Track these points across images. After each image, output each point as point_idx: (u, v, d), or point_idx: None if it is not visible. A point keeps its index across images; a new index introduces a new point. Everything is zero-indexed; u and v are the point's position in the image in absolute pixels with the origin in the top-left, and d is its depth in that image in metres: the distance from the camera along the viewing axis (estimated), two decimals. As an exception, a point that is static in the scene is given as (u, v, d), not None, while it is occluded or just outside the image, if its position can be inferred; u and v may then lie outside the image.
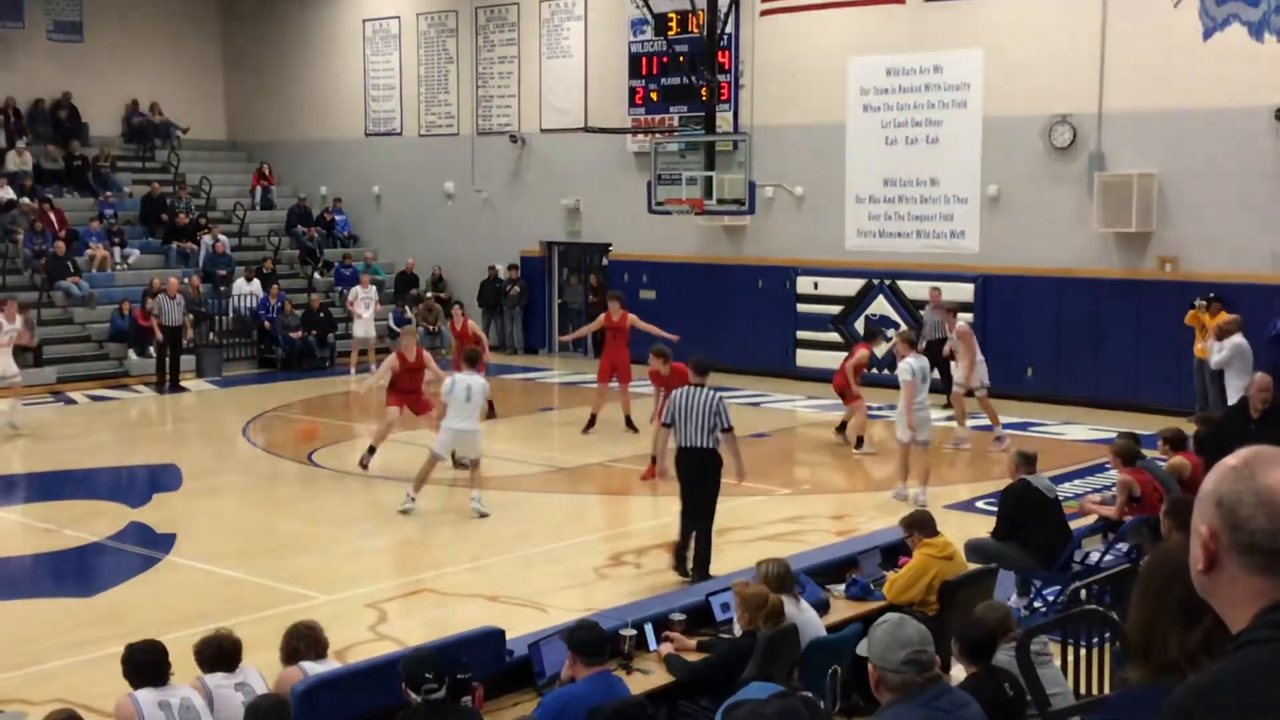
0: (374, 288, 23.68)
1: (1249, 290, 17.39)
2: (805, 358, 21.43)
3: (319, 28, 28.18)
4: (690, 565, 10.58)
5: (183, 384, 21.39)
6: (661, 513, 13.46)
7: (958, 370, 16.66)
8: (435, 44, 26.47)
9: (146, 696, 5.95)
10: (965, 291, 19.69)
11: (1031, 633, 5.80)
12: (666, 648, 7.07)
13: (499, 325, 25.53)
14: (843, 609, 8.02)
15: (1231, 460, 2.18)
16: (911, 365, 13.20)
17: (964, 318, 17.23)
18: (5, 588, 11.15)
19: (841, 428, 16.64)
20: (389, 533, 12.84)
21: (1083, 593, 7.94)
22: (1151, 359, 18.42)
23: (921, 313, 19.38)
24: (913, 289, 20.47)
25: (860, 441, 16.19)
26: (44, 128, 26.59)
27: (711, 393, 10.54)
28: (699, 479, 10.52)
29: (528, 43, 24.99)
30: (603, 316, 17.81)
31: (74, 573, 11.67)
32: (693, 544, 10.61)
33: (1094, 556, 9.54)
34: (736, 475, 10.90)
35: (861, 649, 4.27)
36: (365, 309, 22.99)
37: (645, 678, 6.81)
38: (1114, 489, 10.51)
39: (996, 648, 5.71)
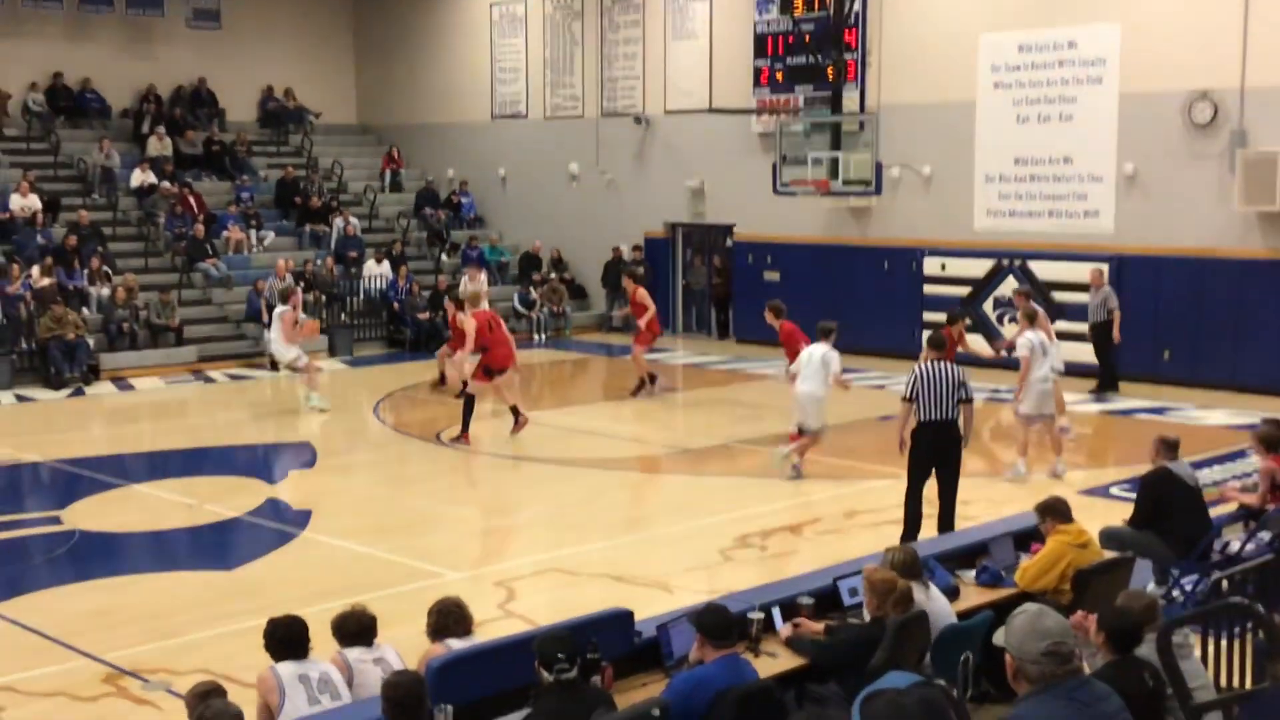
0: (483, 275, 23.52)
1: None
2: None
3: (447, 13, 28.53)
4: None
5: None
6: (786, 495, 13.43)
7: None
8: (561, 27, 26.61)
9: (287, 669, 6.11)
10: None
11: (1174, 624, 5.65)
12: (787, 630, 7.03)
13: (622, 306, 25.61)
14: (973, 596, 7.89)
15: None
16: (1030, 340, 13.39)
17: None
18: (149, 561, 11.54)
19: None
20: (515, 512, 12.99)
21: (1224, 583, 7.71)
22: (1296, 342, 17.80)
23: (1066, 296, 18.97)
24: (1045, 269, 20.06)
25: None
26: (184, 113, 27.36)
27: (954, 366, 10.96)
28: (949, 449, 10.89)
29: (652, 24, 24.99)
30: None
31: (214, 547, 12.03)
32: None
33: (1234, 546, 9.25)
34: (964, 443, 11.13)
35: (998, 638, 4.21)
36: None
37: (773, 661, 6.79)
38: (1256, 476, 10.19)
39: (1142, 638, 5.58)
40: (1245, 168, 17.84)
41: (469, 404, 15.70)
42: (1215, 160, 18.46)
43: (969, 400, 10.93)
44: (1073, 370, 18.75)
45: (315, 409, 17.77)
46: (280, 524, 12.39)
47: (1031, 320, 13.87)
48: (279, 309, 18.33)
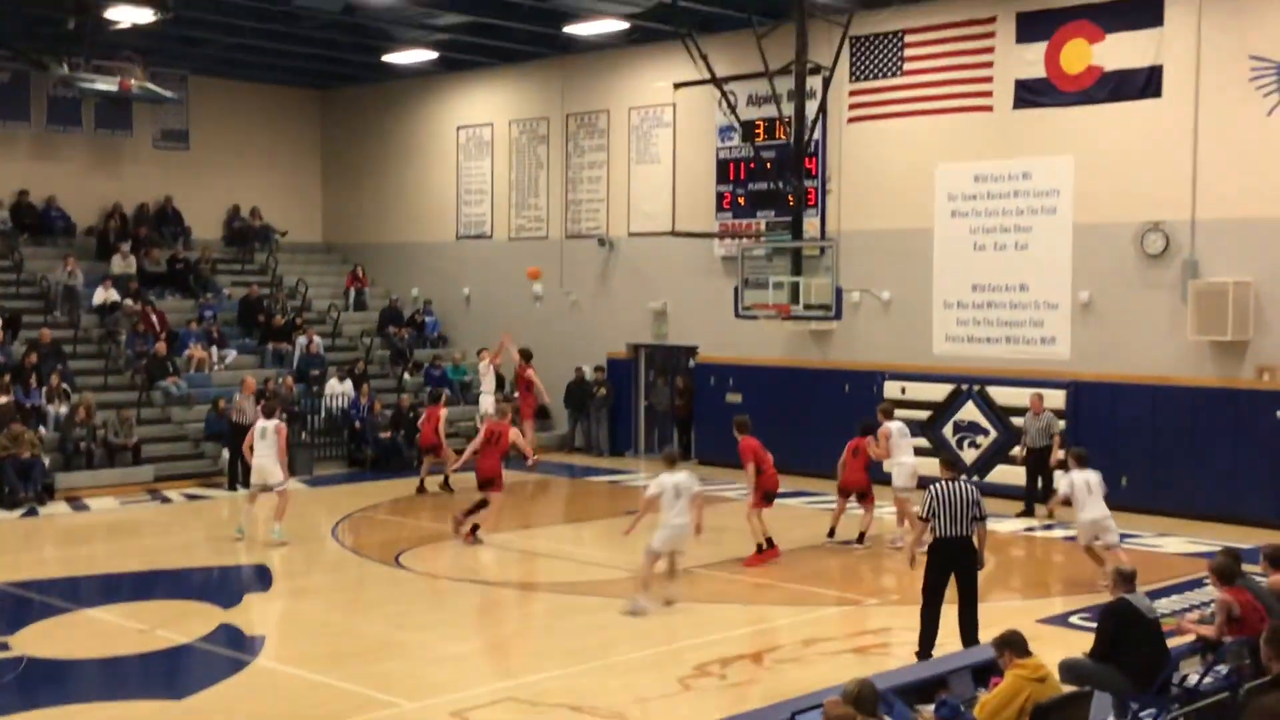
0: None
1: (1351, 400, 16.98)
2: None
3: (414, 135, 28.94)
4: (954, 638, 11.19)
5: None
6: (746, 621, 13.36)
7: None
8: (527, 150, 27.03)
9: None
10: (1057, 398, 19.45)
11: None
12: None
13: (585, 427, 25.67)
14: (932, 731, 7.86)
15: None
16: (1074, 479, 14.42)
17: (892, 424, 17.03)
18: (98, 689, 11.29)
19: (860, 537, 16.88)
20: (474, 638, 12.84)
21: (1182, 719, 7.71)
22: (1251, 470, 18.01)
23: (1022, 420, 19.23)
24: (1003, 395, 20.28)
25: (832, 532, 16.90)
26: (149, 231, 27.46)
27: (970, 485, 11.35)
28: (967, 565, 11.21)
29: (617, 149, 25.43)
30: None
31: (165, 675, 11.79)
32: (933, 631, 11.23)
33: (1192, 679, 9.26)
34: (979, 562, 11.42)
35: None
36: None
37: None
38: (1213, 607, 10.23)
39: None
40: (1197, 298, 18.20)
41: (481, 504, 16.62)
42: (1168, 290, 18.83)
43: (983, 519, 11.31)
44: (1006, 493, 19.06)
45: (276, 541, 16.96)
46: (233, 651, 12.18)
47: (1080, 461, 14.54)
48: (273, 423, 17.17)
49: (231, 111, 29.10)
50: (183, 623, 13.01)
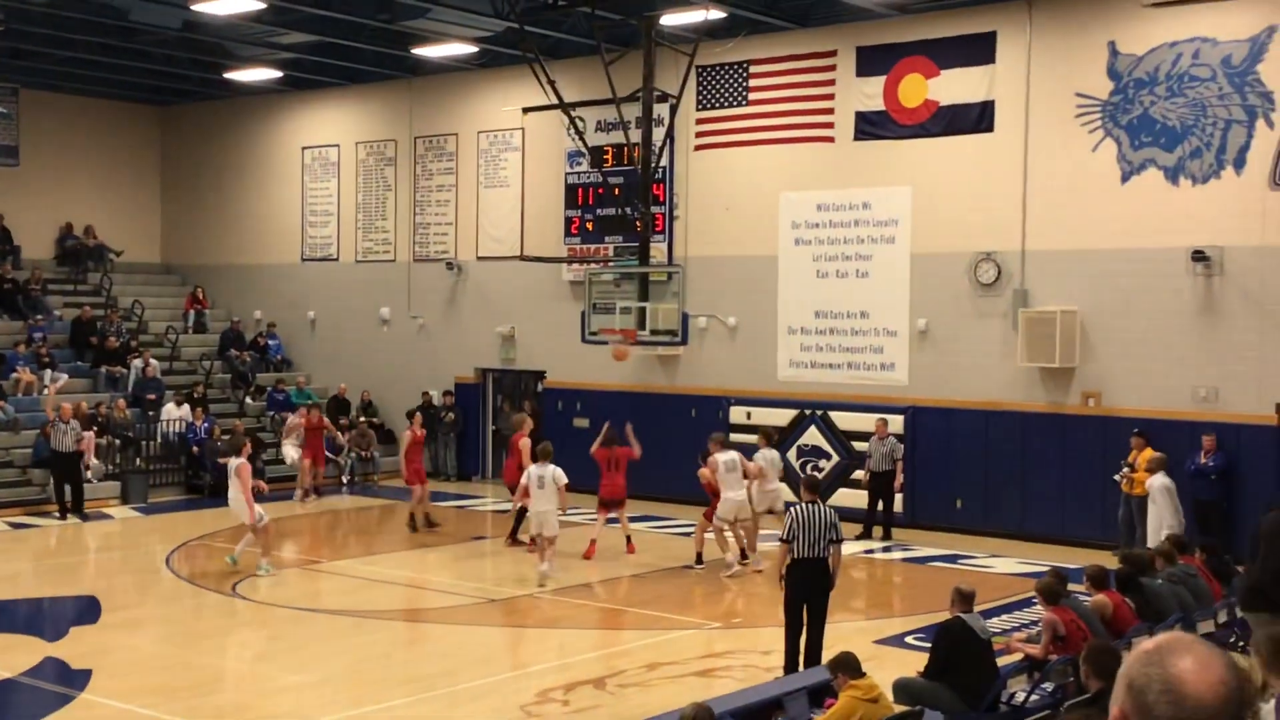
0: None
1: (1170, 426, 17.74)
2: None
3: (257, 154, 28.39)
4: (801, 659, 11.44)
5: (86, 510, 20.74)
6: (590, 646, 13.37)
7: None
8: (374, 172, 26.73)
9: None
10: (896, 423, 19.92)
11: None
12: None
13: (433, 451, 25.39)
14: (769, 753, 7.96)
15: (1147, 644, 2.24)
16: (762, 455, 16.80)
17: (721, 456, 16.75)
18: (-89, 728, 10.78)
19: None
20: (315, 668, 12.59)
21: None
22: (1077, 492, 18.67)
23: (866, 445, 19.62)
24: (844, 420, 20.70)
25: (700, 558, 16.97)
26: (-25, 249, 26.42)
27: (828, 509, 11.63)
28: (820, 586, 11.47)
29: (465, 172, 25.32)
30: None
31: (-16, 711, 11.31)
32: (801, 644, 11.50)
33: (1019, 696, 9.55)
34: (832, 582, 11.67)
35: None
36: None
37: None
38: (1039, 626, 10.57)
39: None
40: (1026, 325, 18.85)
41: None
42: (1000, 318, 19.46)
43: (839, 541, 11.59)
44: (848, 516, 19.42)
45: (265, 573, 16.12)
46: (58, 685, 11.73)
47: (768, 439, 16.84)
48: (234, 461, 16.31)
49: (65, 127, 28.16)
50: (5, 656, 12.49)
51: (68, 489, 20.69)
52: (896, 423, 19.94)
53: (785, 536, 11.50)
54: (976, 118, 19.57)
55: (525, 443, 18.23)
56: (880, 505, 19.37)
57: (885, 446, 19.21)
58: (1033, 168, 19.10)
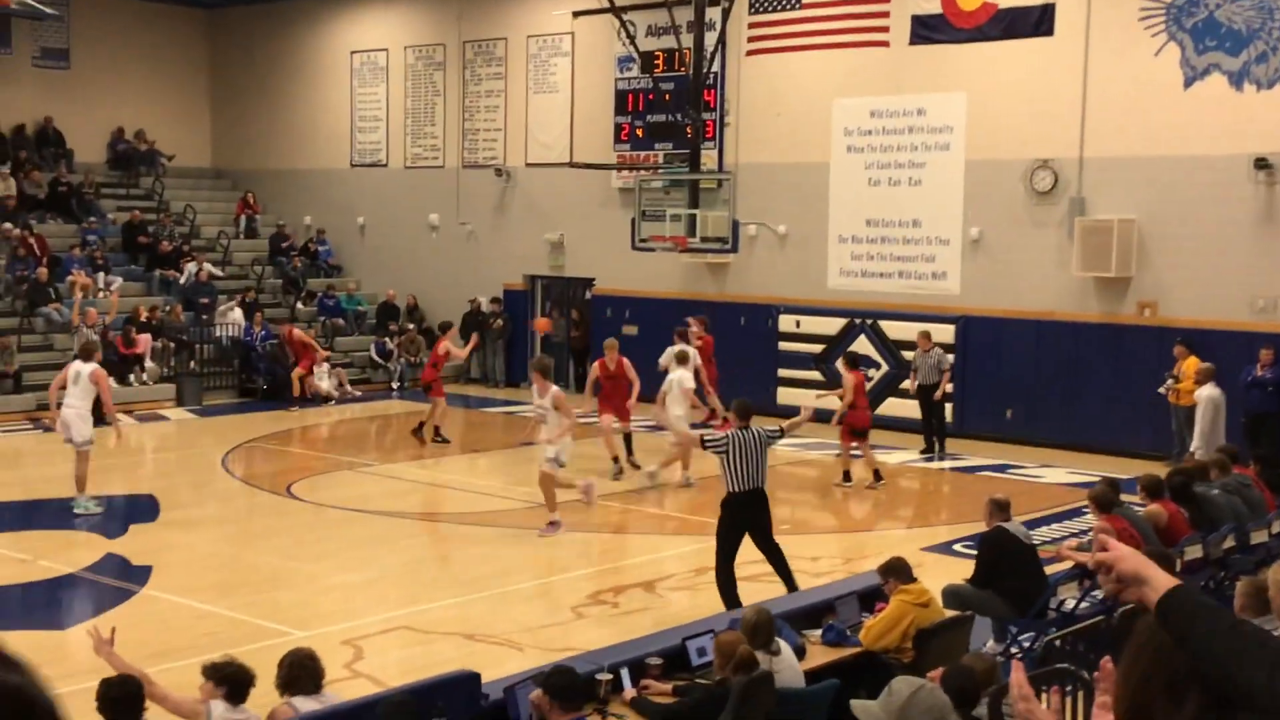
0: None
1: (1226, 336, 17.52)
2: (786, 395, 21.42)
3: (306, 58, 28.27)
4: (734, 594, 10.78)
5: (140, 412, 20.94)
6: (640, 550, 13.49)
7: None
8: (423, 77, 26.57)
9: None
10: (947, 332, 19.79)
11: (1006, 689, 5.80)
12: (631, 692, 7.03)
13: (481, 357, 25.54)
14: (819, 655, 8.02)
15: None
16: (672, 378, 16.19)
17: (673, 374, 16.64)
18: (-22, 619, 11.06)
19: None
20: (366, 568, 12.79)
21: (1058, 642, 7.96)
22: (1130, 403, 18.51)
23: (912, 354, 19.45)
24: (894, 329, 20.56)
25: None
26: (29, 153, 26.56)
27: (760, 430, 10.92)
28: (760, 513, 10.93)
29: (515, 77, 25.11)
30: (598, 365, 17.66)
31: (48, 605, 11.60)
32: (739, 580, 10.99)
33: (1070, 603, 9.56)
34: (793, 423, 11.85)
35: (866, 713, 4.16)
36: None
37: (621, 723, 6.80)
38: (1091, 534, 10.55)
39: (980, 698, 5.73)
40: (1082, 235, 18.58)
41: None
42: (1055, 227, 19.19)
43: (781, 434, 11.44)
44: (898, 426, 19.37)
45: (82, 513, 14.45)
46: (119, 580, 12.00)
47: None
48: (89, 368, 14.38)
49: (115, 29, 28.12)
50: (65, 553, 12.79)
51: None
52: (947, 332, 19.80)
53: (718, 454, 10.75)
54: (1036, 21, 19.13)
55: (444, 345, 19.10)
56: (930, 417, 19.23)
57: (931, 359, 18.93)
58: (1093, 73, 18.69)
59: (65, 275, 23.90)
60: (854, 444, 16.40)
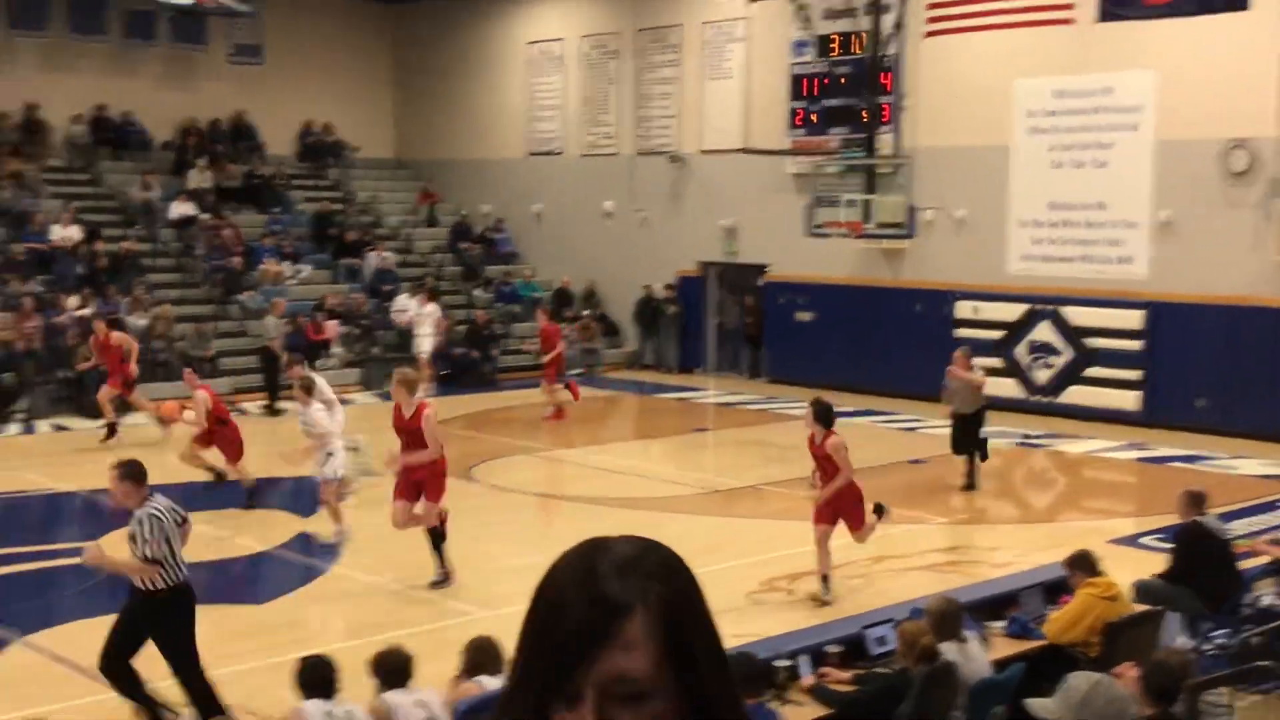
0: (433, 304, 23.32)
1: None
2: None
3: (484, 50, 28.81)
4: None
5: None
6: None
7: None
8: (597, 66, 26.83)
9: (315, 708, 6.16)
10: (1134, 319, 19.17)
11: (1206, 684, 5.63)
12: (811, 680, 7.01)
13: (654, 344, 25.72)
14: (1002, 647, 7.87)
15: None
16: None
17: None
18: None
19: None
20: (546, 550, 12.98)
21: (1253, 640, 7.67)
22: (1332, 393, 17.66)
23: (1118, 342, 18.75)
24: (1077, 315, 20.02)
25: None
26: (225, 147, 27.69)
27: None
28: None
29: (689, 64, 25.17)
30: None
31: (244, 581, 12.10)
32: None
33: (1266, 600, 9.19)
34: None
35: (1044, 710, 4.09)
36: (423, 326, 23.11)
37: (800, 711, 6.79)
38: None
39: (1180, 693, 5.57)
40: (1281, 216, 17.78)
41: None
42: (1251, 209, 18.41)
43: None
44: (1079, 414, 18.82)
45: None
46: (310, 559, 12.45)
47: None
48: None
49: (304, 26, 29.11)
50: (260, 530, 13.31)
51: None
52: (1134, 318, 19.18)
53: None
54: (1231, -5, 18.35)
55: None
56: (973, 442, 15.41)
57: (954, 382, 15.36)
58: (1293, 47, 17.85)
59: (258, 264, 24.85)
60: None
